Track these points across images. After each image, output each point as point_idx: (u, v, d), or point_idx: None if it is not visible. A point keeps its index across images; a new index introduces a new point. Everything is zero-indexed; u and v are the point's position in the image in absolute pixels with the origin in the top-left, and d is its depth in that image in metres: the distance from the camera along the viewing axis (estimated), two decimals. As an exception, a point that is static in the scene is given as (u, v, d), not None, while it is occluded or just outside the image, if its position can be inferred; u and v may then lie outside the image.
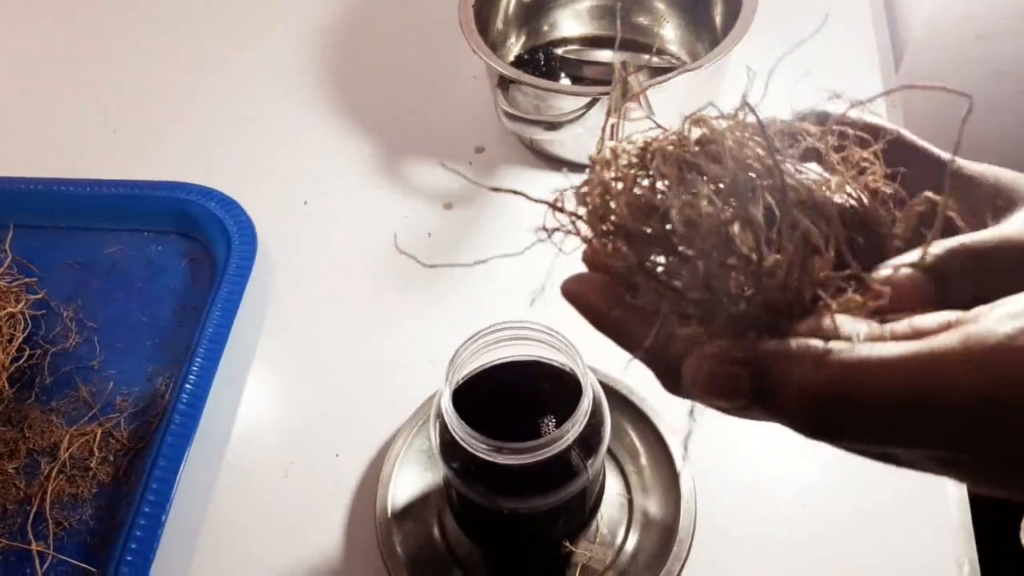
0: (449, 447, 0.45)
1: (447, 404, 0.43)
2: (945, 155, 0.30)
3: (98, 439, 0.60)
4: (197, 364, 0.60)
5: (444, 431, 0.45)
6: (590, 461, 0.47)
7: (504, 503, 0.47)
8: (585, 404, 0.43)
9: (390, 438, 0.59)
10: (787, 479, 0.57)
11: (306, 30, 0.87)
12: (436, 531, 0.55)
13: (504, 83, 0.67)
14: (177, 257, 0.71)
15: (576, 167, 0.72)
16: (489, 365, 0.48)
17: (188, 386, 0.59)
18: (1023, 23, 0.78)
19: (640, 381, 0.59)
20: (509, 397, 0.49)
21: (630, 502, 0.56)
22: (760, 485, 0.57)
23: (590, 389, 0.45)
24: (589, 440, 0.46)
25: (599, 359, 0.60)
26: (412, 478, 0.56)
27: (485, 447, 0.43)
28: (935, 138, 0.30)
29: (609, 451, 0.56)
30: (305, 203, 0.74)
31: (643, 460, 0.57)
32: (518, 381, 0.49)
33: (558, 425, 0.46)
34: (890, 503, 0.55)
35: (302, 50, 0.85)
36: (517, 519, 0.49)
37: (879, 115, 0.30)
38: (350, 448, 0.60)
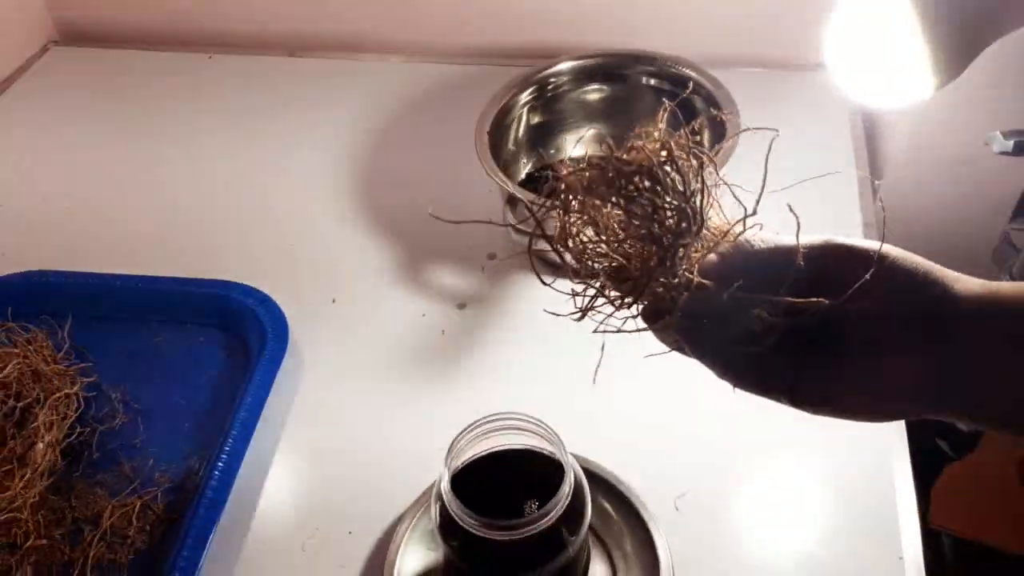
0: (447, 525, 0.51)
1: (445, 486, 0.50)
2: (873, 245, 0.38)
3: (137, 511, 0.66)
4: (228, 446, 0.67)
5: (443, 510, 0.51)
6: (573, 538, 0.52)
7: (497, 576, 0.53)
8: (566, 488, 0.50)
9: (398, 518, 0.65)
10: (769, 565, 0.62)
11: (336, 144, 0.98)
12: (437, 605, 0.60)
13: (512, 200, 0.75)
14: (216, 348, 0.79)
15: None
16: (484, 453, 0.54)
17: (220, 465, 0.66)
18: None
19: (627, 471, 0.65)
20: (501, 482, 0.55)
21: (615, 583, 0.61)
22: (740, 570, 0.62)
23: (571, 474, 0.51)
24: (572, 519, 0.52)
25: (592, 451, 0.66)
26: (416, 555, 0.62)
27: (478, 524, 0.49)
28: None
29: (598, 536, 0.62)
30: (333, 301, 0.82)
31: (627, 546, 0.62)
32: (510, 468, 0.55)
33: (542, 507, 0.52)
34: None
35: (333, 162, 0.96)
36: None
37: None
38: (362, 526, 0.65)
